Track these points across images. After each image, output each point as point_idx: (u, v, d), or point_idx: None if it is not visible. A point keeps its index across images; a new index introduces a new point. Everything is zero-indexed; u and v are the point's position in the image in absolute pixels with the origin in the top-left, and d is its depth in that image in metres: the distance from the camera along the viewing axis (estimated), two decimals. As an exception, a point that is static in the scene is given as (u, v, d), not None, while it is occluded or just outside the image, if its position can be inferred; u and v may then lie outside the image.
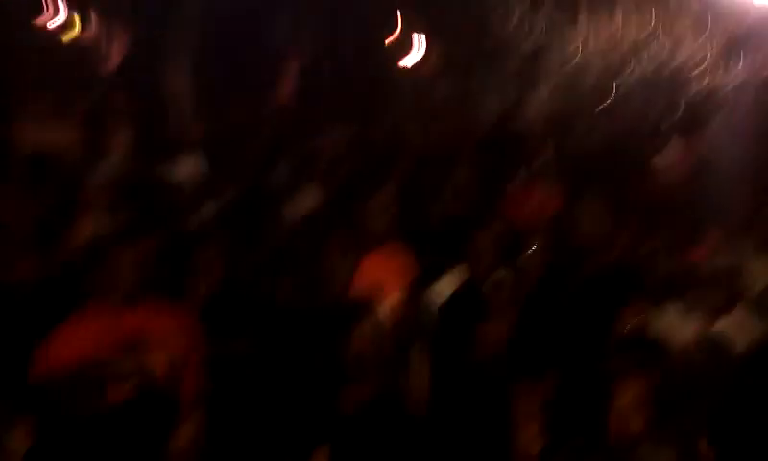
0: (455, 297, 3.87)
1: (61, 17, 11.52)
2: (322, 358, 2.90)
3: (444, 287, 4.12)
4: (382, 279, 3.86)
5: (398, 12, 12.00)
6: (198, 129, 7.42)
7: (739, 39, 10.24)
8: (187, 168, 4.69)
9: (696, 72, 10.18)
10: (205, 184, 5.15)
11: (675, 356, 3.52)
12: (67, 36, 11.55)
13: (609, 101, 10.51)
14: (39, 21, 11.30)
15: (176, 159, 4.83)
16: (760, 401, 3.18)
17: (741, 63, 9.83)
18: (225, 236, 4.03)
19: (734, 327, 3.89)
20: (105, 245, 3.27)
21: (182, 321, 3.24)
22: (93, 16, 11.41)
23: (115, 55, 11.29)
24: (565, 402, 3.11)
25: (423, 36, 12.14)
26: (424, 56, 13.03)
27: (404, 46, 13.01)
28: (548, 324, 3.93)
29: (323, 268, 3.71)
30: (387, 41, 12.29)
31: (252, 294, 3.63)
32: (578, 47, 10.65)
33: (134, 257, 3.22)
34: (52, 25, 11.47)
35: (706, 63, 10.19)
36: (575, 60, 10.66)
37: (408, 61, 13.11)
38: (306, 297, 3.52)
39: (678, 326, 3.93)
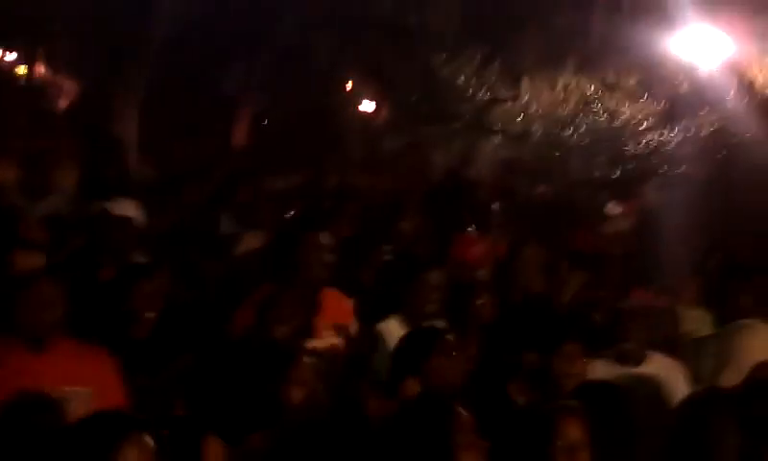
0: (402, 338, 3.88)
1: (11, 57, 11.46)
2: (261, 393, 2.86)
3: (388, 329, 4.13)
4: (322, 320, 3.85)
5: (352, 65, 12.21)
6: (145, 171, 7.39)
7: (680, 100, 10.66)
8: (129, 208, 4.65)
9: (639, 130, 10.53)
10: (149, 224, 5.09)
11: (613, 398, 3.57)
12: (16, 77, 11.47)
13: (554, 156, 10.79)
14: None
15: (119, 200, 4.78)
16: (694, 444, 3.25)
17: (682, 123, 10.20)
18: (165, 273, 4.00)
19: (666, 370, 3.98)
20: (32, 279, 3.16)
21: (100, 363, 3.11)
22: (43, 59, 11.37)
23: (65, 97, 11.27)
24: (509, 441, 3.13)
25: (375, 88, 12.36)
26: (376, 108, 13.26)
27: (356, 98, 13.22)
28: (494, 365, 3.96)
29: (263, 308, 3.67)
30: (340, 92, 12.48)
31: (193, 327, 3.59)
32: (524, 105, 10.93)
33: (58, 292, 3.11)
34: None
35: (648, 122, 10.55)
36: (521, 117, 10.93)
37: (360, 113, 13.32)
38: (246, 333, 3.49)
39: (613, 369, 3.99)
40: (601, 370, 3.93)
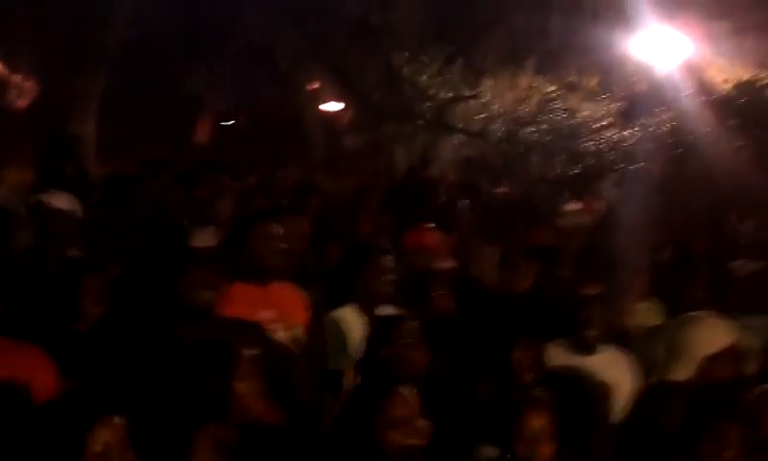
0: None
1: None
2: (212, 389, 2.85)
3: (342, 318, 4.15)
4: (277, 312, 3.86)
5: (315, 65, 12.21)
6: (103, 170, 7.33)
7: (638, 99, 10.83)
8: (67, 201, 4.62)
9: (598, 128, 10.68)
10: (103, 219, 5.06)
11: (571, 389, 3.62)
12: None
13: (515, 154, 10.90)
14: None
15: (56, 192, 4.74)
16: (645, 435, 3.30)
17: (639, 121, 10.36)
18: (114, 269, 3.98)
19: (607, 363, 4.06)
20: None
21: (34, 360, 3.07)
22: (1, 58, 11.20)
23: (23, 96, 11.12)
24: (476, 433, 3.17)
25: (339, 88, 12.36)
26: (341, 107, 13.28)
27: (320, 97, 13.22)
28: (453, 358, 3.99)
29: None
30: (303, 92, 12.47)
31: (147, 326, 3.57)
32: (486, 103, 11.03)
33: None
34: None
35: (607, 120, 10.70)
36: (483, 116, 11.02)
37: (324, 112, 13.32)
38: (199, 328, 3.47)
39: (567, 359, 4.06)
40: (556, 358, 4.01)
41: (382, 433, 2.66)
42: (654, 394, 3.56)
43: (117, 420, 2.23)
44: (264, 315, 3.69)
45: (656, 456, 3.06)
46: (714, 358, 3.49)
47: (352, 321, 4.11)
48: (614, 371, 3.98)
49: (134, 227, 5.22)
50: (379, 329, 3.70)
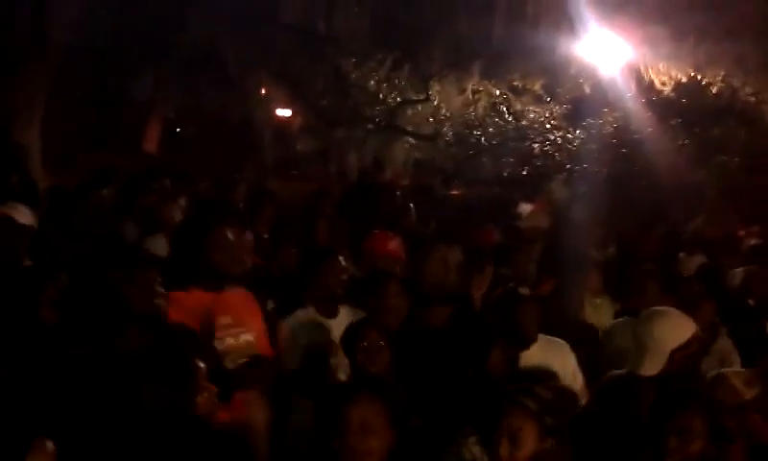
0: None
1: None
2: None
3: (297, 321, 4.16)
4: (233, 318, 3.83)
5: (263, 71, 12.16)
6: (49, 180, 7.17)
7: (582, 101, 11.07)
8: (22, 213, 4.55)
9: (544, 130, 10.88)
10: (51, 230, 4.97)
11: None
12: None
13: (464, 156, 11.04)
14: None
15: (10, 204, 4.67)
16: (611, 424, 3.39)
17: (585, 122, 10.59)
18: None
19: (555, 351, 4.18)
20: None
21: None
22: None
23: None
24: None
25: (288, 93, 12.34)
26: (291, 112, 13.25)
27: (270, 103, 13.17)
28: (412, 364, 4.02)
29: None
30: (253, 97, 12.40)
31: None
32: (434, 107, 11.14)
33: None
34: None
35: (553, 122, 10.92)
36: (432, 120, 11.13)
37: (275, 117, 13.27)
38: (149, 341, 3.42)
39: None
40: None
41: (343, 439, 2.65)
42: (624, 384, 3.64)
43: (49, 444, 2.18)
44: (221, 321, 3.64)
45: (626, 446, 3.11)
46: (679, 349, 3.58)
47: (311, 322, 4.11)
48: (554, 357, 4.09)
49: (80, 239, 5.13)
50: (345, 334, 3.72)
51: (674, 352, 3.53)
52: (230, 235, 3.72)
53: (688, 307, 4.14)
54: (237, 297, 3.80)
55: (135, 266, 3.42)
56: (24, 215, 4.54)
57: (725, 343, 4.76)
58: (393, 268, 5.04)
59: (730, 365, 4.50)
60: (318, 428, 2.89)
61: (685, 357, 3.56)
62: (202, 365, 2.80)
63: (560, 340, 4.26)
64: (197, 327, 3.59)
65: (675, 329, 3.60)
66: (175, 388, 2.72)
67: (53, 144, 9.57)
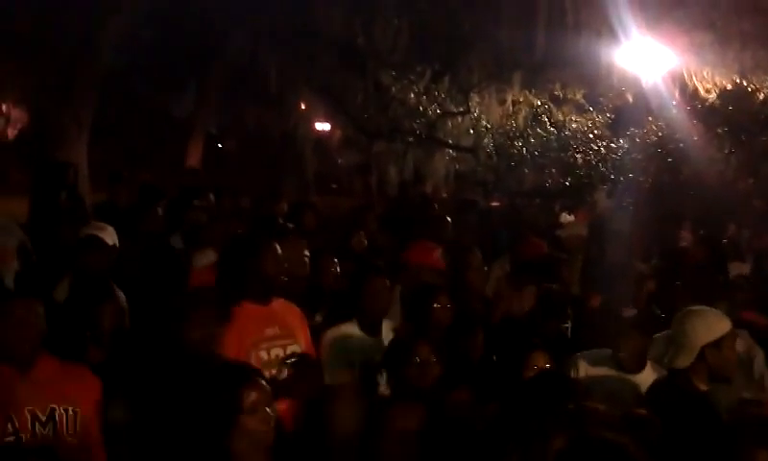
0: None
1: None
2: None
3: (341, 334, 4.17)
4: (280, 329, 3.87)
5: (304, 86, 12.26)
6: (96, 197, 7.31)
7: (626, 110, 10.94)
8: (111, 235, 4.69)
9: (587, 140, 10.77)
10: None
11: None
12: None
13: (506, 167, 10.97)
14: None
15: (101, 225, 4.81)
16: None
17: (628, 131, 10.46)
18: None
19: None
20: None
21: (84, 382, 3.11)
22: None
23: (13, 126, 11.10)
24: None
25: (329, 108, 12.42)
26: (330, 126, 13.33)
27: (311, 117, 13.27)
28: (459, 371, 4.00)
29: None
30: (294, 112, 12.50)
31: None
32: (474, 119, 11.10)
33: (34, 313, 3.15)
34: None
35: (595, 132, 10.80)
36: (472, 131, 11.09)
37: (315, 132, 13.36)
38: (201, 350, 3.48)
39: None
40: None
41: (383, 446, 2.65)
42: (663, 385, 3.65)
43: None
44: (268, 332, 3.71)
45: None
46: (711, 346, 3.58)
47: (354, 337, 4.12)
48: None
49: (140, 255, 5.23)
50: (394, 349, 3.70)
51: (704, 348, 3.54)
52: (278, 249, 3.80)
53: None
54: (285, 309, 3.87)
55: (188, 305, 3.47)
56: (110, 235, 4.67)
57: (746, 342, 4.67)
58: (434, 279, 5.03)
59: (753, 358, 4.48)
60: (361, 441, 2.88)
61: (718, 357, 3.54)
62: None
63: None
64: (247, 338, 3.68)
65: (706, 325, 3.62)
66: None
67: (99, 161, 9.76)
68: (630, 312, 5.19)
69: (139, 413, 3.11)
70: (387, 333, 4.19)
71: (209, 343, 3.35)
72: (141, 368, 3.32)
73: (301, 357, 3.68)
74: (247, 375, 2.85)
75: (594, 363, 4.16)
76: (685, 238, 7.75)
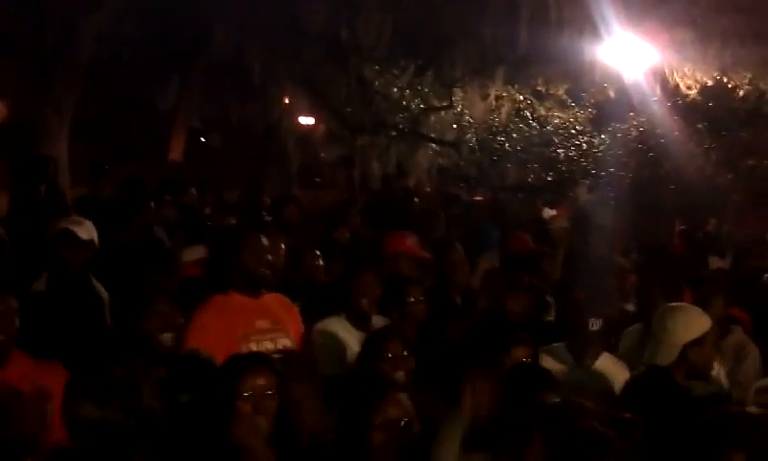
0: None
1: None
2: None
3: (331, 327, 4.17)
4: (271, 322, 3.88)
5: (287, 80, 12.23)
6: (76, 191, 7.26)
7: (607, 106, 11.00)
8: (90, 229, 4.64)
9: (569, 135, 10.83)
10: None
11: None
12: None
13: (489, 162, 11.02)
14: None
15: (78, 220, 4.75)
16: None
17: (610, 127, 10.53)
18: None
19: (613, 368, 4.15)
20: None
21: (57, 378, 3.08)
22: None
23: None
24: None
25: (312, 102, 12.40)
26: (314, 121, 13.31)
27: (294, 111, 13.24)
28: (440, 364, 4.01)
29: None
30: (277, 106, 12.46)
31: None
32: (458, 114, 11.13)
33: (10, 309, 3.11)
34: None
35: (577, 128, 10.86)
36: (455, 126, 11.12)
37: (298, 126, 13.33)
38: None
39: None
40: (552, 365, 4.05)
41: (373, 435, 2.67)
42: (643, 380, 3.64)
43: None
44: (258, 325, 3.72)
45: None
46: (692, 344, 3.58)
47: (344, 331, 4.14)
48: (611, 377, 4.07)
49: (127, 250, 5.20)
50: (367, 345, 3.71)
51: (686, 347, 3.53)
52: (264, 242, 3.81)
53: (701, 304, 4.13)
54: (275, 301, 3.89)
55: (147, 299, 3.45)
56: (87, 230, 4.60)
57: (739, 337, 4.70)
58: (412, 267, 5.05)
59: (745, 358, 4.49)
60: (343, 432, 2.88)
61: (700, 354, 3.54)
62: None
63: (619, 361, 4.21)
64: (237, 330, 3.68)
65: (688, 323, 3.62)
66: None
67: (80, 154, 9.68)
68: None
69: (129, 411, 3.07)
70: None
71: (167, 333, 3.33)
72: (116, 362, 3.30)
73: (289, 353, 3.68)
74: (248, 360, 2.89)
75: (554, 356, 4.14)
76: (667, 233, 7.84)
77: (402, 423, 2.75)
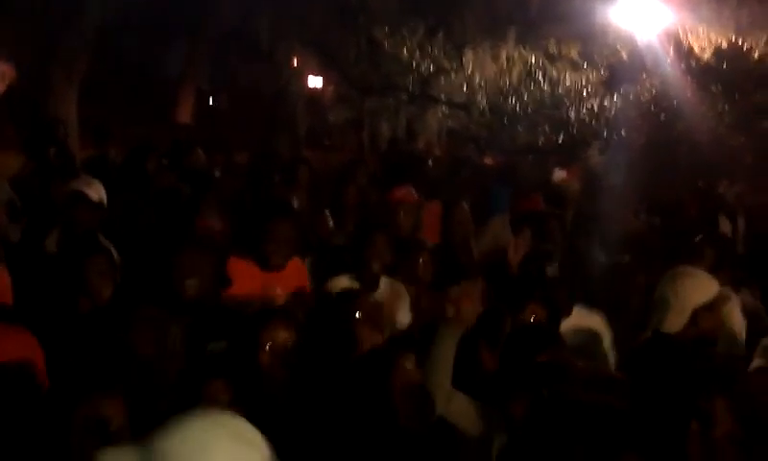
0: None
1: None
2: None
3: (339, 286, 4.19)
4: (282, 282, 3.92)
5: (296, 42, 12.14)
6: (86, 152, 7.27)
7: (620, 67, 10.88)
8: (99, 190, 4.67)
9: (580, 97, 10.72)
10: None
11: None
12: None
13: (499, 124, 10.94)
14: None
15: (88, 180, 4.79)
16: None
17: (622, 89, 10.42)
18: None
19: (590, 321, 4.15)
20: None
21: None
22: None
23: (1, 81, 10.98)
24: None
25: (321, 64, 12.32)
26: (323, 83, 13.25)
27: (303, 74, 13.17)
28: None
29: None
30: (286, 69, 12.40)
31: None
32: (468, 75, 11.03)
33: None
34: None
35: (589, 89, 10.75)
36: (465, 88, 11.02)
37: (307, 88, 13.27)
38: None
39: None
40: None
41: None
42: (650, 346, 3.62)
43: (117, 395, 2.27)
44: (269, 284, 3.76)
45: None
46: (704, 309, 3.55)
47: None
48: (595, 331, 4.08)
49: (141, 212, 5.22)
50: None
51: (697, 311, 3.50)
52: (283, 230, 3.87)
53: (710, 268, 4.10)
54: (290, 268, 3.93)
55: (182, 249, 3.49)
56: (96, 190, 4.64)
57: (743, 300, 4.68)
58: (408, 217, 5.11)
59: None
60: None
61: (709, 319, 3.51)
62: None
63: (597, 315, 4.22)
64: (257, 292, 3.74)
65: (699, 288, 3.56)
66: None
67: (89, 117, 9.68)
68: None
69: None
70: (385, 288, 4.21)
71: (201, 289, 3.37)
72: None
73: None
74: (271, 314, 3.04)
75: None
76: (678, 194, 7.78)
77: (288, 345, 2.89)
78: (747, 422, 2.69)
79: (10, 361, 2.78)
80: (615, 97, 10.48)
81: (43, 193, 5.60)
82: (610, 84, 10.69)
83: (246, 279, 3.79)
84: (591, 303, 4.24)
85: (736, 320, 4.39)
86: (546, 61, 11.10)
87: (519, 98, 10.82)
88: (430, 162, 8.13)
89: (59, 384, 2.69)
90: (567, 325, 4.02)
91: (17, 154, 7.48)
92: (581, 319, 4.12)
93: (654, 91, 10.29)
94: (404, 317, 4.13)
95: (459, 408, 2.99)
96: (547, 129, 10.61)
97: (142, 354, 2.95)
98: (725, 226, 6.72)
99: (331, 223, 5.43)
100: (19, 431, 2.41)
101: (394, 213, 5.15)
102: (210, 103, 14.04)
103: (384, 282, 4.26)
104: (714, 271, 3.96)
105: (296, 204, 5.34)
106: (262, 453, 1.66)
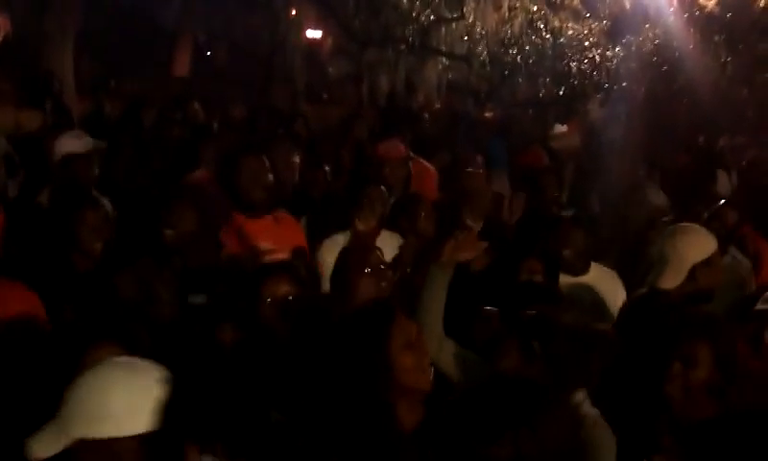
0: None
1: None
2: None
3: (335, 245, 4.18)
4: (275, 241, 3.90)
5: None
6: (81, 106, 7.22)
7: (622, 17, 10.70)
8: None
9: (582, 48, 10.56)
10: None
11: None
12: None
13: (500, 76, 10.80)
14: None
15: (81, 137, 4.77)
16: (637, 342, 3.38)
17: (624, 39, 10.26)
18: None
19: (605, 279, 4.14)
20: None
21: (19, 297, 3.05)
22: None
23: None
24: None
25: (319, 14, 12.13)
26: (321, 34, 13.06)
27: (301, 25, 12.97)
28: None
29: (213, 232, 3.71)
30: (284, 19, 12.21)
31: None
32: (469, 25, 10.86)
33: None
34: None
35: (591, 40, 10.59)
36: (466, 38, 10.86)
37: (306, 39, 13.09)
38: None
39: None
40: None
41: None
42: (646, 302, 3.62)
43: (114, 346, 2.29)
44: (261, 245, 3.75)
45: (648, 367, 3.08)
46: (702, 265, 3.55)
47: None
48: (603, 289, 4.06)
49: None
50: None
51: (696, 267, 3.50)
52: (260, 164, 3.79)
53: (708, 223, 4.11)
54: (280, 221, 3.89)
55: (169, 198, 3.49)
56: (86, 145, 4.63)
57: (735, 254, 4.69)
58: (395, 172, 5.08)
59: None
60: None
61: (708, 275, 3.50)
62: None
63: (610, 270, 4.21)
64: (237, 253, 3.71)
65: (697, 243, 3.58)
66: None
67: (85, 71, 9.60)
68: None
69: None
70: (383, 243, 4.21)
71: (186, 240, 3.38)
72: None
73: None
74: (272, 268, 3.05)
75: None
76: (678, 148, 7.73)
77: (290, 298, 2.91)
78: (726, 370, 2.71)
79: (13, 317, 2.82)
80: (618, 48, 10.32)
81: (38, 147, 5.58)
82: (612, 35, 10.52)
83: (233, 234, 3.76)
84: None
85: (744, 264, 4.46)
86: (549, 11, 10.91)
87: (520, 49, 10.65)
88: (426, 116, 8.06)
89: (59, 337, 2.72)
90: (582, 281, 4.03)
91: (12, 107, 7.45)
92: (597, 276, 4.12)
93: (656, 42, 10.12)
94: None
95: (450, 357, 2.98)
96: (548, 81, 10.46)
97: (125, 298, 2.97)
98: (723, 181, 6.70)
99: (329, 177, 5.41)
100: (24, 385, 2.44)
101: (379, 168, 5.15)
102: (207, 55, 13.89)
103: (383, 237, 4.25)
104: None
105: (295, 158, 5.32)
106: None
